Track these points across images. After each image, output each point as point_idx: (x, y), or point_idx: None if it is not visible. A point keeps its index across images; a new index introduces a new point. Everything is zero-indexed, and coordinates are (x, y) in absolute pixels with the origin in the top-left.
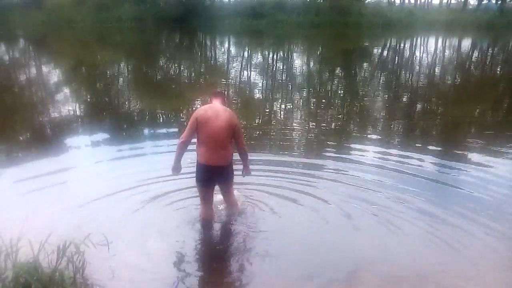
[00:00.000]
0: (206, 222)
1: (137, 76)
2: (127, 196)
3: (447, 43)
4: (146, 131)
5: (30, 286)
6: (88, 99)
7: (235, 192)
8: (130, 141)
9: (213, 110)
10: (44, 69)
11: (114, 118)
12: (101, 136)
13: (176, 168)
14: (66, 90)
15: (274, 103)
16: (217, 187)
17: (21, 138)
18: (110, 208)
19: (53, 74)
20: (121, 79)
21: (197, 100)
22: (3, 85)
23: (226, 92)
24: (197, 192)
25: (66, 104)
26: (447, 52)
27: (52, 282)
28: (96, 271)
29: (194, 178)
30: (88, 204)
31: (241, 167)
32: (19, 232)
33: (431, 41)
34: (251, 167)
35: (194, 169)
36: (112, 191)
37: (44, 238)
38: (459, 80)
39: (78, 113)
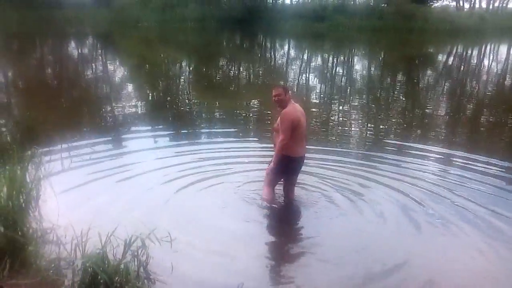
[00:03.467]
0: (272, 198)
1: (197, 75)
2: (192, 192)
3: None
4: (204, 128)
5: (97, 276)
6: (151, 96)
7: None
8: (189, 137)
9: (298, 110)
10: (110, 65)
11: (175, 115)
12: (163, 132)
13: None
14: (130, 86)
15: (333, 106)
16: None
17: (87, 130)
18: (174, 204)
19: (118, 71)
20: (182, 78)
21: (254, 101)
22: (71, 79)
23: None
24: (268, 183)
25: (131, 100)
26: None
27: (117, 274)
28: (158, 266)
29: (276, 171)
30: (154, 199)
31: None
32: (88, 224)
33: (503, 48)
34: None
35: None
36: (177, 186)
37: (111, 231)
38: None
39: (141, 108)
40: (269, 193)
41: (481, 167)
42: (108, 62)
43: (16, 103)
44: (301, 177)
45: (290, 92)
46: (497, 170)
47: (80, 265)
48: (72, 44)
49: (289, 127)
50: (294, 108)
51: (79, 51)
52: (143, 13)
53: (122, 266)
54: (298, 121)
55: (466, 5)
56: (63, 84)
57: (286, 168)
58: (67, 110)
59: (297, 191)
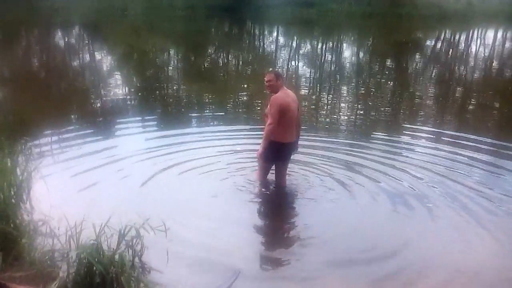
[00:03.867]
0: (264, 184)
1: (185, 63)
2: (185, 180)
3: (508, 35)
4: (194, 116)
5: (92, 267)
6: (140, 85)
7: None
8: (180, 126)
9: (289, 97)
10: (97, 55)
11: (165, 104)
12: (154, 121)
13: (264, 151)
14: (118, 75)
15: (322, 92)
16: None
17: (76, 121)
18: (168, 192)
19: (106, 60)
20: (170, 66)
21: (243, 88)
22: (58, 69)
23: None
24: (260, 169)
25: (119, 89)
26: (507, 45)
27: (112, 264)
28: (153, 256)
29: (265, 157)
30: (147, 188)
31: None
32: (82, 215)
33: (490, 33)
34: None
35: None
36: (170, 175)
37: (104, 221)
38: None
39: (131, 98)
40: (261, 180)
41: (471, 146)
42: (95, 51)
43: (4, 94)
44: (293, 164)
45: (282, 78)
46: (487, 149)
47: (74, 257)
48: (59, 33)
49: (277, 111)
50: (285, 94)
51: (66, 41)
52: (130, 1)
53: (117, 256)
54: (287, 106)
55: None
56: (51, 74)
57: (275, 154)
58: (56, 100)
59: (289, 177)
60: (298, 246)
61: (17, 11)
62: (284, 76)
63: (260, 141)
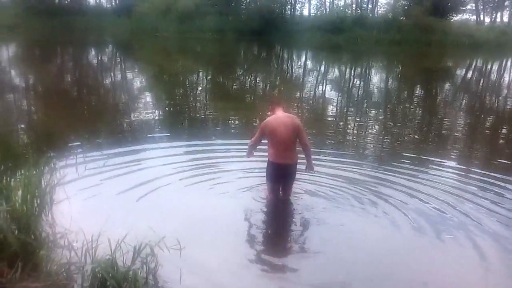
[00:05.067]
0: (272, 202)
1: (213, 85)
2: (204, 199)
3: None
4: (218, 136)
5: (105, 282)
6: (168, 105)
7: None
8: (204, 145)
9: (279, 119)
10: (129, 74)
11: (191, 124)
12: (178, 140)
13: (249, 154)
14: (147, 95)
15: (349, 118)
16: None
17: (102, 138)
18: (186, 210)
19: (136, 80)
20: (199, 87)
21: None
22: (90, 87)
23: (283, 96)
24: (267, 187)
25: (145, 107)
26: None
27: (126, 281)
28: (167, 274)
29: (265, 177)
30: (166, 206)
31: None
32: (99, 230)
33: None
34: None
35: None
36: (191, 193)
37: (121, 237)
38: None
39: (156, 117)
40: (268, 198)
41: (496, 185)
42: (127, 70)
43: (35, 109)
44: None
45: (276, 104)
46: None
47: (89, 270)
48: (92, 52)
49: (259, 134)
50: (275, 118)
51: (99, 59)
52: (162, 23)
53: (131, 272)
54: (274, 129)
55: (487, 19)
56: (82, 91)
57: (272, 173)
58: (84, 117)
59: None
60: (310, 268)
61: (51, 29)
62: (310, 99)
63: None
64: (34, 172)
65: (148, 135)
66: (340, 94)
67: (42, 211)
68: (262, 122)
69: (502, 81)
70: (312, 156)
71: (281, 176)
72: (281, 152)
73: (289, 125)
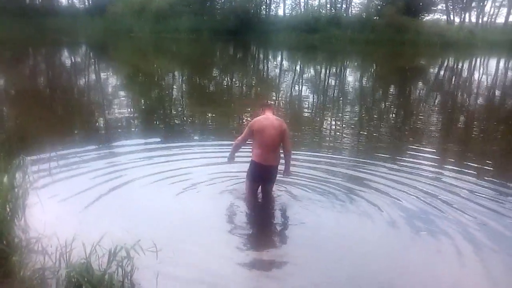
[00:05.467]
0: (250, 202)
1: (188, 85)
2: (178, 200)
3: (511, 65)
4: (192, 136)
5: (81, 286)
6: (140, 105)
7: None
8: (178, 145)
9: (268, 120)
10: (102, 75)
11: (165, 124)
12: (152, 140)
13: (231, 158)
14: (120, 96)
15: (325, 117)
16: None
17: (76, 140)
18: (161, 212)
19: (110, 80)
20: (175, 87)
21: (246, 110)
22: (63, 88)
23: (275, 103)
24: (245, 188)
25: (119, 109)
26: (510, 74)
27: (102, 285)
28: (143, 277)
29: (247, 175)
30: (141, 208)
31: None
32: (74, 233)
33: (492, 62)
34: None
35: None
36: (165, 194)
37: (96, 241)
38: None
39: (130, 118)
40: (247, 198)
41: (472, 176)
42: (100, 71)
43: (6, 111)
44: (283, 184)
45: (266, 107)
46: (488, 179)
47: (64, 275)
48: (65, 53)
49: (247, 132)
50: (265, 117)
51: (72, 60)
52: (136, 23)
53: (106, 276)
54: (263, 127)
55: (457, 19)
56: (55, 93)
57: (253, 172)
58: (56, 119)
59: (279, 194)
60: (284, 268)
61: (22, 30)
62: (287, 99)
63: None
64: (6, 175)
65: (122, 137)
66: (316, 93)
67: (15, 216)
68: (252, 120)
69: (472, 79)
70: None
71: (262, 177)
72: (266, 153)
73: (277, 128)
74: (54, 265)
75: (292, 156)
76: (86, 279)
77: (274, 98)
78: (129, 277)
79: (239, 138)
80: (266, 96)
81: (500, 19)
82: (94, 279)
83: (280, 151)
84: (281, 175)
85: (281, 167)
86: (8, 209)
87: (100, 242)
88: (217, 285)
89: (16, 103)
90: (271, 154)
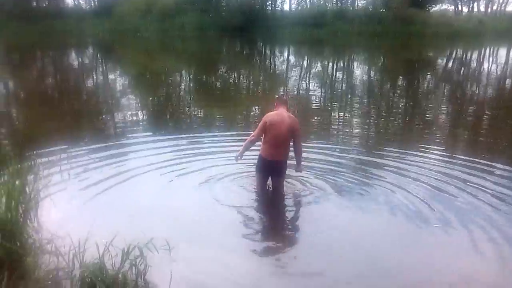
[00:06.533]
0: (260, 195)
1: (197, 83)
2: (191, 196)
3: None
4: (202, 132)
5: (95, 286)
6: (149, 104)
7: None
8: (188, 142)
9: (280, 116)
10: (110, 75)
11: (174, 122)
12: (161, 138)
13: (240, 156)
14: (129, 95)
15: (333, 111)
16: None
17: (86, 140)
18: (174, 209)
19: (118, 80)
20: (183, 85)
21: (254, 106)
22: (71, 89)
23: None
24: (255, 182)
25: (128, 108)
26: None
27: (115, 284)
28: (157, 276)
29: (256, 168)
30: (154, 206)
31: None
32: (87, 233)
33: (502, 51)
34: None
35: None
36: (177, 191)
37: (109, 240)
38: None
39: (139, 116)
40: (258, 190)
41: (481, 170)
42: (108, 71)
43: (17, 113)
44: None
45: (281, 102)
46: (498, 173)
47: (78, 275)
48: (73, 54)
49: (262, 126)
50: (278, 113)
51: (80, 61)
52: (143, 23)
53: (120, 275)
54: (273, 123)
55: (465, 9)
56: (64, 94)
57: (261, 167)
58: (67, 119)
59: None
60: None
61: (30, 33)
62: (295, 94)
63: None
64: (18, 177)
65: (132, 135)
66: (324, 87)
67: (27, 217)
68: (265, 116)
69: (481, 69)
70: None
71: (269, 171)
72: (274, 148)
73: (288, 124)
74: (68, 266)
75: (304, 148)
76: (100, 278)
77: (282, 93)
78: (142, 276)
79: (254, 134)
80: (281, 92)
81: (510, 7)
82: (108, 279)
83: (291, 149)
84: (293, 170)
85: (293, 162)
86: (20, 211)
87: (113, 242)
88: (231, 282)
89: (27, 105)
90: (278, 150)
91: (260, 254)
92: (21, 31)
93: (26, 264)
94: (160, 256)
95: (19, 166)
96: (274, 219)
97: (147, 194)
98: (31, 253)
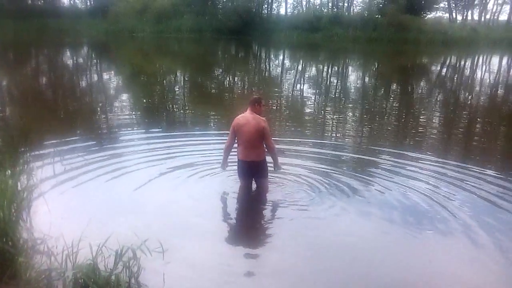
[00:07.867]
0: (245, 199)
1: (191, 84)
2: (184, 196)
3: None
4: (195, 132)
5: (87, 287)
6: (142, 103)
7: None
8: (181, 142)
9: (245, 118)
10: (104, 74)
11: (167, 121)
12: (154, 136)
13: (224, 165)
14: (122, 94)
15: (326, 115)
16: None
17: (80, 139)
18: (168, 210)
19: (112, 80)
20: (177, 87)
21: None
22: (65, 88)
23: (260, 98)
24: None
25: (122, 106)
26: None
27: (108, 286)
28: (149, 278)
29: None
30: (147, 207)
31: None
32: (80, 234)
33: (495, 59)
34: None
35: None
36: (171, 192)
37: (102, 241)
38: None
39: (132, 115)
40: (243, 194)
41: (473, 177)
42: (102, 71)
43: (10, 111)
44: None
45: (251, 103)
46: (490, 180)
47: (71, 276)
48: (68, 53)
49: (230, 130)
50: (243, 116)
51: (74, 61)
52: (138, 23)
53: (113, 277)
54: (240, 126)
55: (459, 17)
56: (57, 92)
57: (239, 170)
58: (60, 118)
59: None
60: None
61: (25, 31)
62: (289, 97)
63: None
64: (10, 176)
65: (125, 134)
66: (318, 91)
67: (20, 217)
68: (233, 121)
69: (474, 76)
70: (296, 147)
71: (249, 173)
72: (246, 149)
73: (253, 125)
74: (60, 266)
75: (299, 148)
76: (92, 280)
77: (276, 95)
78: (135, 278)
79: (227, 141)
80: (255, 92)
81: (503, 16)
82: (101, 280)
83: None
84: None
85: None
86: (13, 210)
87: (106, 243)
88: (224, 283)
89: (20, 103)
90: (251, 150)
91: (251, 257)
92: (15, 29)
93: (18, 264)
94: (154, 258)
95: (12, 163)
96: (257, 221)
97: (141, 197)
98: (23, 253)
